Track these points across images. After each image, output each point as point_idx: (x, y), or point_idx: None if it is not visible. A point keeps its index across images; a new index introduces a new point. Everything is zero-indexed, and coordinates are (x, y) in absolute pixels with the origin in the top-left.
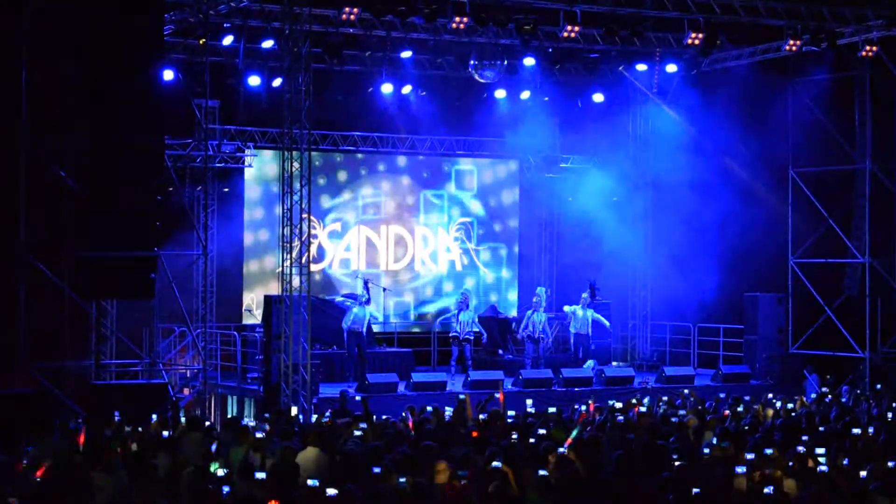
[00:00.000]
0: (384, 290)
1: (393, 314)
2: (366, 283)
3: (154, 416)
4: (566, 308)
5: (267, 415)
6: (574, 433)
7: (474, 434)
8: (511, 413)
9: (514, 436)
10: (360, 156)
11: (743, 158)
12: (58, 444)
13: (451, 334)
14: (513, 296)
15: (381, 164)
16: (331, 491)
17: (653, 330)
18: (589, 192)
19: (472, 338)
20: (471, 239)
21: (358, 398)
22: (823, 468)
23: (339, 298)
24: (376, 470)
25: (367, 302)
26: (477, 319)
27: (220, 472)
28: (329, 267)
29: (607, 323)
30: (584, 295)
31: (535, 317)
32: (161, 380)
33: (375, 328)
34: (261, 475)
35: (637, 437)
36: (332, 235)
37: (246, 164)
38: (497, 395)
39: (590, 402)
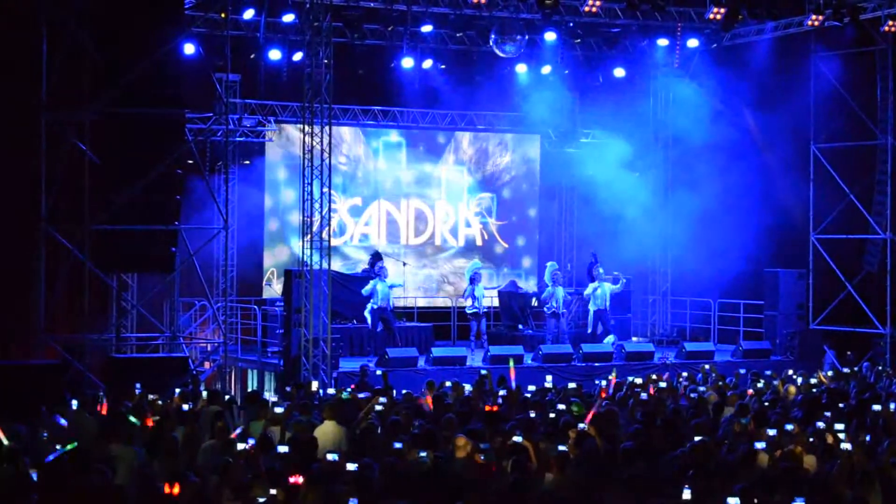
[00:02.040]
0: (404, 264)
1: (413, 288)
2: (377, 257)
3: (177, 391)
4: (587, 291)
5: (288, 388)
6: (594, 408)
7: (493, 409)
8: (531, 388)
9: (532, 414)
10: (380, 130)
11: (764, 134)
12: (79, 415)
13: (468, 310)
14: (532, 271)
15: (401, 139)
16: (350, 466)
17: (673, 305)
18: (609, 166)
19: (488, 312)
20: (491, 213)
21: (378, 372)
22: (846, 445)
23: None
24: (397, 445)
25: (384, 276)
26: (496, 294)
27: (241, 446)
28: (350, 241)
29: (624, 281)
30: (601, 270)
31: (557, 292)
32: (182, 353)
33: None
34: (283, 449)
35: (656, 412)
36: (352, 210)
37: (267, 138)
38: (508, 372)
39: (611, 375)
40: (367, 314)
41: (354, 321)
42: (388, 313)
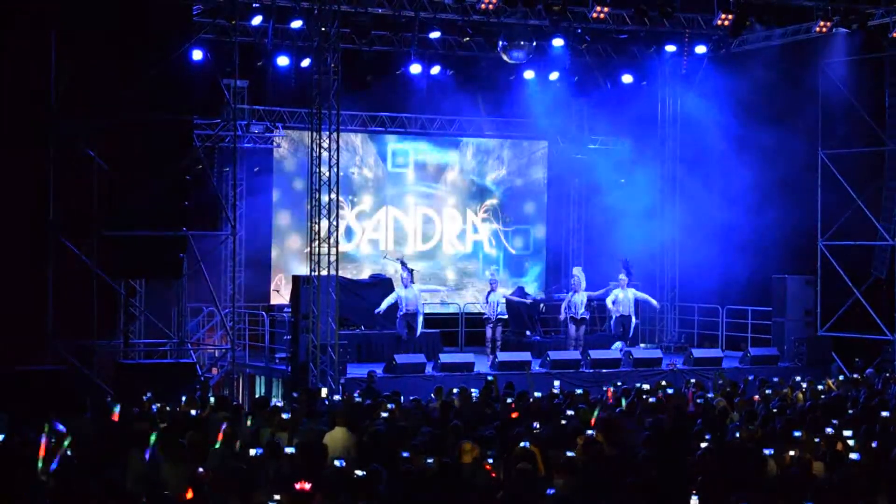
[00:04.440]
0: (412, 270)
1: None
2: (403, 263)
3: (183, 397)
4: (609, 298)
5: (295, 394)
6: (595, 413)
7: (515, 416)
8: (537, 394)
9: (536, 424)
10: (387, 136)
11: (771, 139)
12: (86, 422)
13: (484, 317)
14: (540, 277)
15: (409, 144)
16: (358, 472)
17: (680, 312)
18: (617, 172)
19: (501, 318)
20: (499, 220)
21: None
22: (853, 455)
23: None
24: (405, 455)
25: (405, 284)
26: (503, 301)
27: (253, 452)
28: (358, 247)
29: (654, 301)
30: (622, 276)
31: (575, 298)
32: (189, 359)
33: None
34: (290, 450)
35: (665, 419)
36: (360, 216)
37: (275, 144)
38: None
39: (609, 388)
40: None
41: (362, 327)
42: (415, 319)
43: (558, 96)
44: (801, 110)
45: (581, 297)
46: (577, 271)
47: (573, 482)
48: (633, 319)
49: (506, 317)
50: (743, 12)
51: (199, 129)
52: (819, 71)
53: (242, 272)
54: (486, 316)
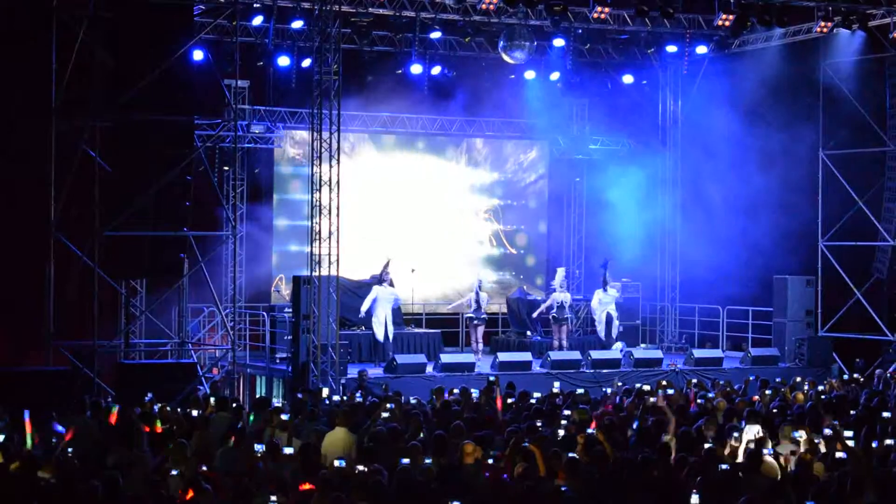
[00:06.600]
0: (412, 270)
1: (420, 294)
2: (387, 263)
3: (192, 395)
4: (598, 296)
5: (299, 395)
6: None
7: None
8: (537, 395)
9: (539, 424)
10: (388, 136)
11: (772, 140)
12: (88, 422)
13: (467, 317)
14: (540, 278)
15: (410, 145)
16: (360, 467)
17: (681, 312)
18: (617, 173)
19: (478, 317)
20: (499, 220)
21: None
22: (840, 454)
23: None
24: (405, 461)
25: (380, 282)
26: (485, 300)
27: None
28: (358, 247)
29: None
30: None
31: (556, 298)
32: (190, 360)
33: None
34: (289, 450)
35: (665, 419)
36: (360, 216)
37: (275, 144)
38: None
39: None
40: None
41: (363, 328)
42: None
43: (559, 96)
44: (802, 111)
45: (555, 297)
46: (560, 272)
47: (574, 482)
48: (611, 322)
49: (472, 316)
50: (744, 13)
51: (200, 129)
52: (820, 71)
53: (243, 272)
54: (468, 316)
